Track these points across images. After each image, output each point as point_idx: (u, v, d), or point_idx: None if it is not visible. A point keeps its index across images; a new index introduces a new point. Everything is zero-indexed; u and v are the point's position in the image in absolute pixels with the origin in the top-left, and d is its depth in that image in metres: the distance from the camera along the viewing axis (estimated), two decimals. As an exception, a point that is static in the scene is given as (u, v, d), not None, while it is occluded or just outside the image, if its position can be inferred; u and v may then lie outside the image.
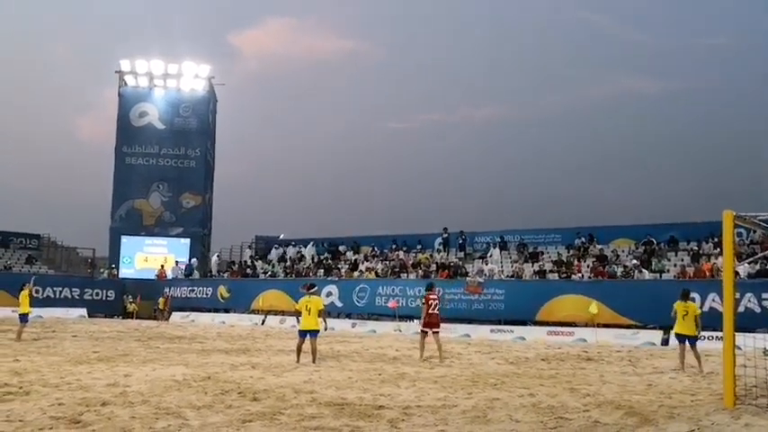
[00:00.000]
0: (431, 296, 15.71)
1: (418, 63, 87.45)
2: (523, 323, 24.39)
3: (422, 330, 15.66)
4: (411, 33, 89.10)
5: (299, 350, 14.02)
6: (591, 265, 26.67)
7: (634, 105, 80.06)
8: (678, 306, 13.89)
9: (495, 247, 30.06)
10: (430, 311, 15.42)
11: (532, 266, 27.91)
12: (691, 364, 13.55)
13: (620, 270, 25.39)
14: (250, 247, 39.48)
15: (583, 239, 28.77)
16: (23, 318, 18.92)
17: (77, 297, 34.17)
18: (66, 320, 28.88)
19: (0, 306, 29.07)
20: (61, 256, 42.51)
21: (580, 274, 26.22)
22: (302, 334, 13.94)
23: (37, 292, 20.17)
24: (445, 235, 32.08)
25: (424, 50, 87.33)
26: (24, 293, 19.33)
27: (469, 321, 25.28)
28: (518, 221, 78.83)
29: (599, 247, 28.06)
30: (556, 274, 26.76)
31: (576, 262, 27.29)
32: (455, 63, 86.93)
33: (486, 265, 28.33)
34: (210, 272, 37.40)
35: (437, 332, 15.46)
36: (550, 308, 23.93)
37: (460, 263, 29.91)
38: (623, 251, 27.32)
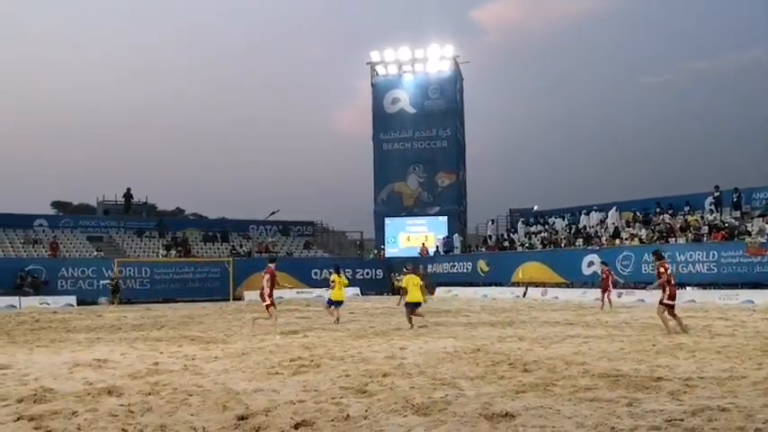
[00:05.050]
0: (666, 264, 14.08)
1: (667, 13, 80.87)
2: (820, 286, 21.67)
3: (666, 304, 13.66)
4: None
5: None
6: None
7: None
8: None
9: (778, 204, 26.97)
10: (673, 282, 13.92)
11: (827, 222, 24.57)
12: None
13: None
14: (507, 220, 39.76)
15: None
16: (336, 303, 18.36)
17: (350, 277, 36.93)
18: (342, 299, 31.26)
19: (283, 288, 32.16)
20: (333, 241, 46.21)
21: None
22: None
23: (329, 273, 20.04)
24: (717, 194, 29.42)
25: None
26: (339, 279, 18.51)
27: (752, 286, 23.39)
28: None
29: None
30: None
31: None
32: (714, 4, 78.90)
33: (769, 223, 25.53)
34: (468, 246, 38.23)
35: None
36: None
37: (737, 223, 27.30)
38: None
